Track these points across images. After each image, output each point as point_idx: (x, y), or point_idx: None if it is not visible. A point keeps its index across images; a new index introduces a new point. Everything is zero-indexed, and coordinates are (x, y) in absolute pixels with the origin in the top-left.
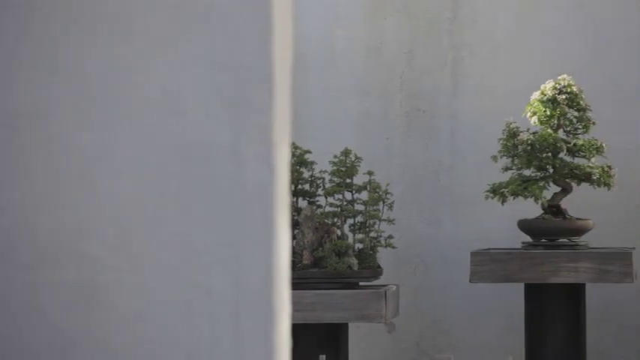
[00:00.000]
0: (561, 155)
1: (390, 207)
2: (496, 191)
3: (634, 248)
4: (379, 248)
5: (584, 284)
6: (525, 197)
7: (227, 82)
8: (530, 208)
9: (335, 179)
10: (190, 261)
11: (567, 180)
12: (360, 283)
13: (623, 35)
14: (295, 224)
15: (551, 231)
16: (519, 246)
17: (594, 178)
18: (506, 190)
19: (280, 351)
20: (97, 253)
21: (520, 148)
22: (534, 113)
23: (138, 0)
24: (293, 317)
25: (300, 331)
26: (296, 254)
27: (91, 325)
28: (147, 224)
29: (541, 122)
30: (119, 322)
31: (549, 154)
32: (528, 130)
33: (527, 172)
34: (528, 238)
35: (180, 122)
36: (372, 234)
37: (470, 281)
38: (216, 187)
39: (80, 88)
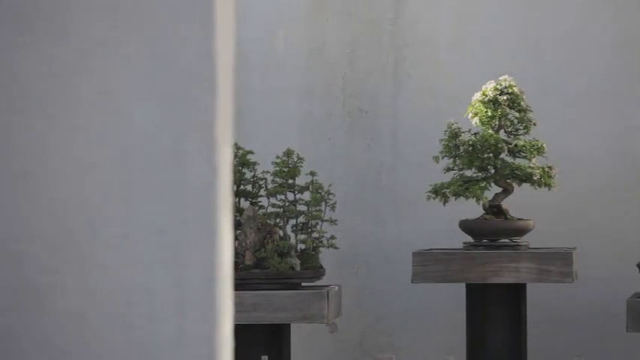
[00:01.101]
0: (502, 156)
1: (333, 207)
2: (438, 192)
3: (574, 248)
4: (321, 249)
5: (524, 284)
6: (467, 198)
7: (168, 81)
8: (472, 209)
9: (277, 180)
10: (131, 262)
11: (508, 180)
12: (303, 284)
13: (562, 36)
14: (237, 225)
15: (493, 231)
16: (461, 246)
17: (535, 178)
18: (448, 190)
19: (222, 352)
20: (37, 254)
21: (461, 148)
22: (476, 114)
23: None
24: (235, 318)
25: (242, 332)
26: (238, 255)
27: (31, 326)
28: (87, 225)
29: (482, 123)
30: (60, 323)
31: (490, 154)
32: (470, 130)
33: (468, 173)
34: (470, 239)
35: (121, 122)
36: (315, 234)
37: (412, 281)
38: (158, 188)
39: (17, 88)
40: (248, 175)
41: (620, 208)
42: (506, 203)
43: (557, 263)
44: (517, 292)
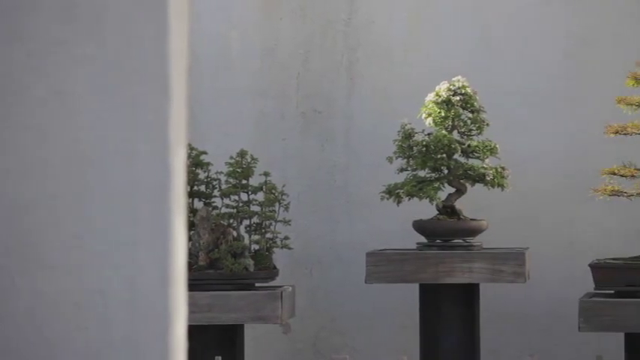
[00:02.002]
0: (456, 156)
1: (286, 208)
2: (391, 192)
3: (527, 248)
4: (275, 249)
5: (478, 284)
6: (420, 198)
7: (122, 81)
8: (425, 209)
9: (231, 180)
10: (84, 262)
11: (462, 181)
12: (256, 284)
13: (515, 36)
14: (191, 225)
15: (446, 232)
16: (414, 247)
17: (488, 179)
18: (402, 190)
19: (176, 353)
20: None
21: (415, 149)
22: (429, 114)
23: None
24: (189, 319)
25: (196, 333)
26: (192, 256)
27: None
28: (39, 225)
29: (436, 123)
30: (11, 324)
31: (444, 155)
32: (423, 131)
33: (422, 173)
34: (423, 239)
35: (74, 122)
36: (268, 235)
37: (365, 282)
38: (111, 188)
39: None
40: (202, 175)
41: (572, 208)
42: (459, 203)
43: (510, 263)
44: (470, 292)
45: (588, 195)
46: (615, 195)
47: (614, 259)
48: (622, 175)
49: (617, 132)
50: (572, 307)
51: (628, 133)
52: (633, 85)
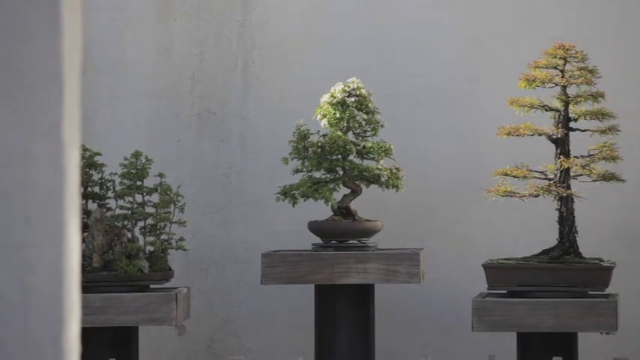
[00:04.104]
0: (351, 157)
1: (182, 209)
2: (287, 193)
3: (422, 249)
4: (170, 250)
5: (373, 285)
6: (316, 199)
7: (15, 81)
8: (321, 210)
9: (125, 182)
10: None
11: (357, 182)
12: (151, 286)
13: (409, 37)
14: (85, 227)
15: (341, 232)
16: (310, 247)
17: (383, 179)
18: (297, 192)
19: (70, 355)
20: None
21: (310, 150)
22: (324, 116)
23: None
24: (83, 321)
25: (90, 335)
26: (85, 257)
27: None
28: None
29: (331, 125)
30: None
31: (339, 156)
32: (318, 132)
33: (317, 174)
34: (319, 240)
35: None
36: (163, 236)
37: (261, 283)
38: (4, 189)
39: None
40: (96, 176)
41: (466, 208)
42: (354, 204)
43: (405, 264)
44: (365, 292)
45: (481, 195)
46: (508, 196)
47: (506, 259)
48: (515, 176)
49: (509, 133)
50: (466, 307)
51: (520, 135)
52: (525, 86)
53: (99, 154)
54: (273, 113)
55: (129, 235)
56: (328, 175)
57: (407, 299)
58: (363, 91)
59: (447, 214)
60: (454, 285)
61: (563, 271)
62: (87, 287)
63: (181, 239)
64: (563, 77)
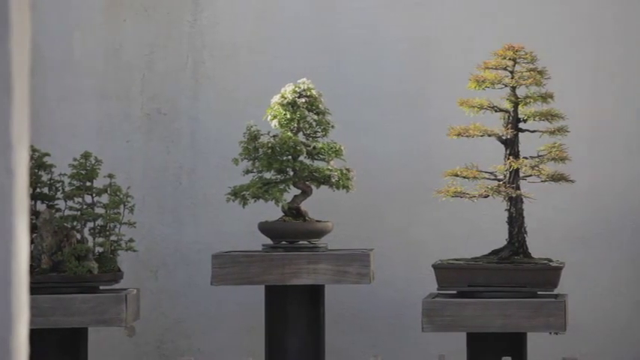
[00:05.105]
0: (301, 158)
1: (131, 210)
2: (237, 194)
3: (372, 249)
4: (120, 251)
5: (323, 285)
6: (266, 200)
7: None
8: (271, 211)
9: (75, 182)
10: None
11: (307, 182)
12: (100, 287)
13: (359, 38)
14: (33, 228)
15: (292, 233)
16: (260, 248)
17: (333, 180)
18: (247, 192)
19: (18, 357)
20: None
21: (261, 151)
22: (275, 116)
23: None
24: (31, 322)
25: (38, 337)
26: (34, 259)
27: None
28: None
29: (281, 125)
30: None
31: (289, 157)
32: (269, 133)
33: (267, 175)
34: (269, 241)
35: None
36: (113, 237)
37: (211, 283)
38: None
39: None
40: (45, 177)
41: (417, 209)
42: (305, 205)
43: (355, 264)
44: (315, 293)
45: (432, 196)
46: (458, 196)
47: (456, 259)
48: (464, 177)
49: (459, 134)
50: (417, 307)
51: (470, 136)
52: (475, 87)
53: (48, 154)
54: (223, 114)
55: (78, 236)
56: (279, 176)
57: (357, 300)
58: (314, 92)
59: (397, 215)
60: (404, 285)
61: (513, 272)
62: (36, 288)
63: (131, 240)
64: (512, 78)
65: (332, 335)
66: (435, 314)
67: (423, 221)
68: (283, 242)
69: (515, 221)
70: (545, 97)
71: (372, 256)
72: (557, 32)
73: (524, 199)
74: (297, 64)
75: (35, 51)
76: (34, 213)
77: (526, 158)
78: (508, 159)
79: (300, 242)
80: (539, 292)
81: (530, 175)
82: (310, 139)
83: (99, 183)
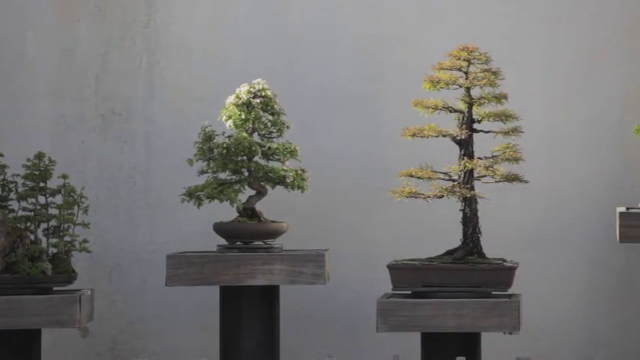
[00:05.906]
0: (256, 159)
1: (85, 211)
2: (192, 194)
3: (327, 250)
4: (74, 252)
5: (278, 286)
6: (221, 200)
7: None
8: (226, 211)
9: (28, 183)
10: None
11: (262, 183)
12: (54, 288)
13: (312, 39)
14: None
15: (246, 234)
16: (215, 249)
17: (288, 181)
18: (202, 193)
19: None
20: None
21: (216, 151)
22: (230, 117)
23: None
24: None
25: None
26: None
27: None
28: None
29: (236, 126)
30: None
31: (244, 157)
32: (224, 133)
33: (222, 176)
34: (224, 241)
35: None
36: (67, 238)
37: (166, 284)
38: None
39: None
40: None
41: (371, 209)
42: (260, 206)
43: (310, 265)
44: (270, 293)
45: (386, 196)
46: (413, 197)
47: (410, 260)
48: (419, 177)
49: (414, 134)
50: (372, 307)
51: (425, 136)
52: (430, 88)
53: (1, 155)
54: (178, 114)
55: (32, 236)
56: (233, 177)
57: (312, 300)
58: (269, 93)
59: (352, 216)
60: (359, 286)
61: (467, 272)
62: None
63: (85, 241)
64: (467, 79)
65: (287, 335)
66: (389, 314)
67: (377, 221)
68: (238, 243)
69: (470, 221)
70: (500, 98)
71: (327, 257)
72: (511, 33)
73: (478, 200)
74: (252, 65)
75: None
76: None
77: (480, 159)
78: (462, 159)
79: (255, 243)
80: (493, 292)
81: (485, 176)
82: (265, 139)
83: (53, 183)
